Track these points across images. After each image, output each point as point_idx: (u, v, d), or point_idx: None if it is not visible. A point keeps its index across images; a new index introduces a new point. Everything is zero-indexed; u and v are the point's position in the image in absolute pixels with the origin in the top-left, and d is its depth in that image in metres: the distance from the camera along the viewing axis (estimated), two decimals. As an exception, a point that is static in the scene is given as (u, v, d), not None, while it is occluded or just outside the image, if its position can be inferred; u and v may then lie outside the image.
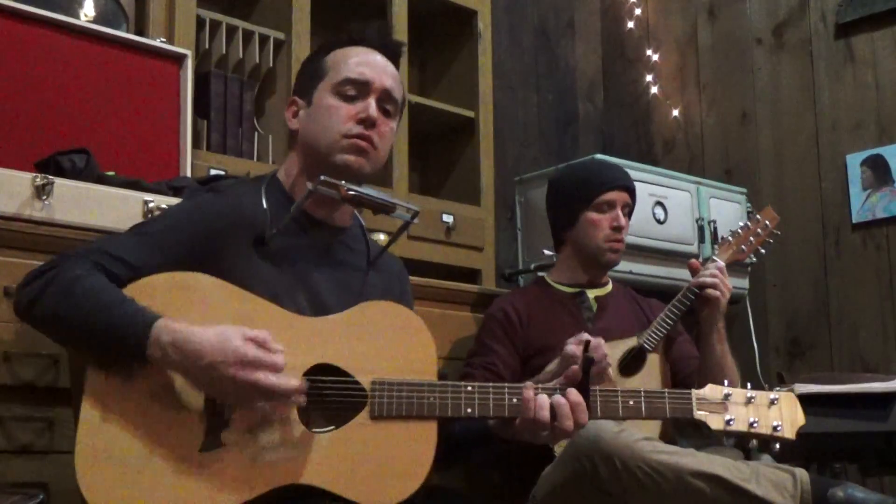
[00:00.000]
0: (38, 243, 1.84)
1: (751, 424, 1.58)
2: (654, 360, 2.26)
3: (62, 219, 1.95)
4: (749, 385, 1.63)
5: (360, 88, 1.66)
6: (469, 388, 1.53)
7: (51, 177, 1.96)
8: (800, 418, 1.60)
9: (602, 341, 1.92)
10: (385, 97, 1.68)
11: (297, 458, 1.45)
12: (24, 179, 1.93)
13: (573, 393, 1.53)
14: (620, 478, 1.72)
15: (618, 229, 2.38)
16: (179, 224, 1.61)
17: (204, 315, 1.49)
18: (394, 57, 1.74)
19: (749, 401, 1.59)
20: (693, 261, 2.33)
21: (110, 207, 2.02)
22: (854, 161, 3.53)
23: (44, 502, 1.56)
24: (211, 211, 1.63)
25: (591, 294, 2.43)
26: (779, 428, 1.57)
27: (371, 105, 1.65)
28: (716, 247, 2.42)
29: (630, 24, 4.31)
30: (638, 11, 4.29)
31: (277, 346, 1.42)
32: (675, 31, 4.17)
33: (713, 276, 2.25)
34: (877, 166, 3.48)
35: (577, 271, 2.45)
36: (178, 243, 1.57)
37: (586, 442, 1.77)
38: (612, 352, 2.23)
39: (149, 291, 1.50)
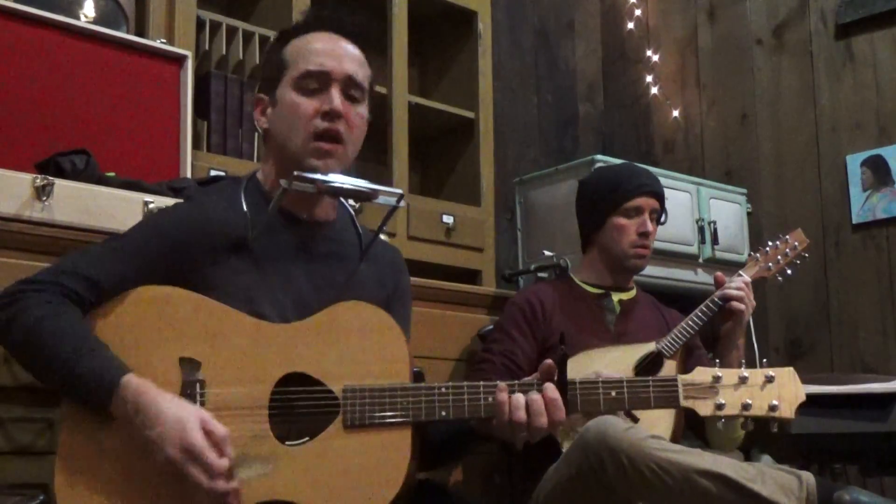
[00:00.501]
0: (38, 244, 1.84)
1: (744, 407, 1.49)
2: (670, 367, 2.25)
3: (62, 220, 1.95)
4: (743, 363, 1.56)
5: (322, 80, 1.61)
6: (443, 390, 1.49)
7: (51, 178, 1.96)
8: (800, 395, 1.51)
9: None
10: (348, 83, 1.62)
11: (273, 473, 1.43)
12: (24, 180, 1.93)
13: (549, 389, 1.48)
14: (627, 475, 1.71)
15: (644, 235, 2.38)
16: (150, 237, 1.58)
17: (174, 330, 1.49)
18: (355, 38, 1.67)
19: (742, 381, 1.51)
20: (719, 273, 2.32)
21: (110, 208, 2.01)
22: (854, 161, 3.53)
23: (43, 503, 1.56)
24: (181, 221, 1.60)
25: (616, 297, 2.43)
26: (776, 407, 1.49)
27: (333, 96, 1.60)
28: (716, 247, 2.41)
29: (630, 25, 4.31)
30: (638, 12, 4.29)
31: (228, 452, 1.40)
32: (675, 31, 4.17)
33: (739, 288, 2.25)
34: (877, 167, 3.48)
35: (603, 273, 2.45)
36: (149, 257, 1.55)
37: (593, 439, 1.76)
38: (630, 355, 2.23)
39: (120, 307, 1.50)
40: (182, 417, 1.39)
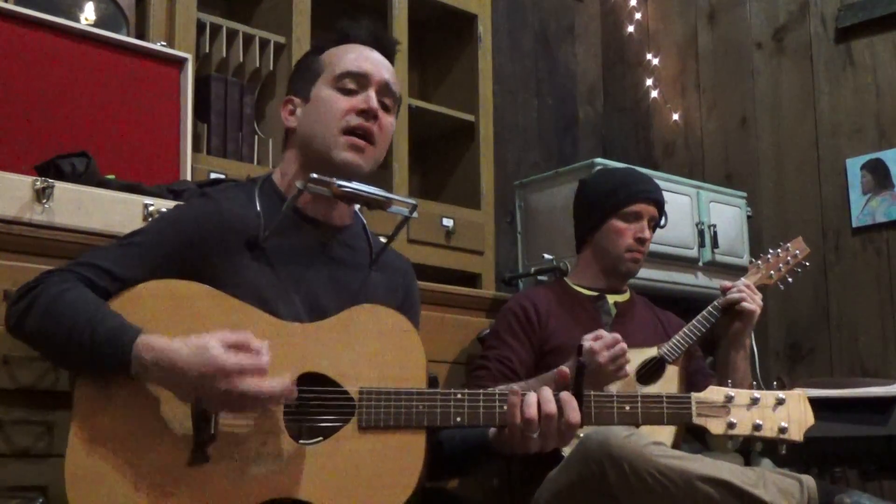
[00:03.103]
0: (38, 247, 1.84)
1: (755, 427, 1.54)
2: (672, 372, 2.26)
3: (62, 222, 1.95)
4: (755, 385, 1.59)
5: (360, 81, 1.65)
6: (458, 396, 1.50)
7: (51, 180, 1.95)
8: (809, 419, 1.55)
9: (619, 337, 1.94)
10: (384, 90, 1.67)
11: (285, 470, 1.44)
12: (24, 183, 1.93)
13: (564, 394, 1.50)
14: (629, 482, 1.71)
15: (641, 241, 2.40)
16: (166, 233, 1.59)
17: (191, 325, 1.48)
18: (389, 54, 1.73)
19: (754, 402, 1.55)
20: (725, 283, 2.34)
21: (110, 211, 2.01)
22: (854, 165, 3.53)
23: (42, 506, 1.57)
24: (197, 217, 1.61)
25: (611, 299, 2.43)
26: (786, 430, 1.53)
27: (371, 96, 1.64)
28: (716, 250, 2.41)
29: (630, 29, 4.31)
30: (638, 16, 4.30)
31: (259, 346, 1.39)
32: (676, 35, 4.18)
33: (740, 290, 2.27)
34: (876, 170, 3.48)
35: (597, 276, 2.46)
36: (165, 252, 1.56)
37: (595, 446, 1.76)
38: (632, 359, 2.23)
39: (137, 301, 1.50)
40: (203, 352, 1.37)
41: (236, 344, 1.39)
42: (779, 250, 2.42)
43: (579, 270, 2.50)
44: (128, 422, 1.44)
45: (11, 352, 1.73)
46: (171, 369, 1.39)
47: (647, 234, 2.41)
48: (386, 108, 1.68)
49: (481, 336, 2.55)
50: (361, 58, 1.67)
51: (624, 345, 1.99)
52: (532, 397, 1.49)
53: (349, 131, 1.62)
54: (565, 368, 1.54)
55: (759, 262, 2.40)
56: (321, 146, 1.63)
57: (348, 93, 1.64)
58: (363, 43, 1.70)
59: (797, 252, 2.41)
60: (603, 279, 2.45)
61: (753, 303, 2.25)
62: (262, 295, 1.55)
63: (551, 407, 1.48)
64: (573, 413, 1.49)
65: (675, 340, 2.28)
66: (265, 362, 1.39)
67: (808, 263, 2.44)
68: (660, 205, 2.46)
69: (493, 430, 1.60)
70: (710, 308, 2.30)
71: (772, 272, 2.38)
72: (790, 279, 2.42)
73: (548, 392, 1.50)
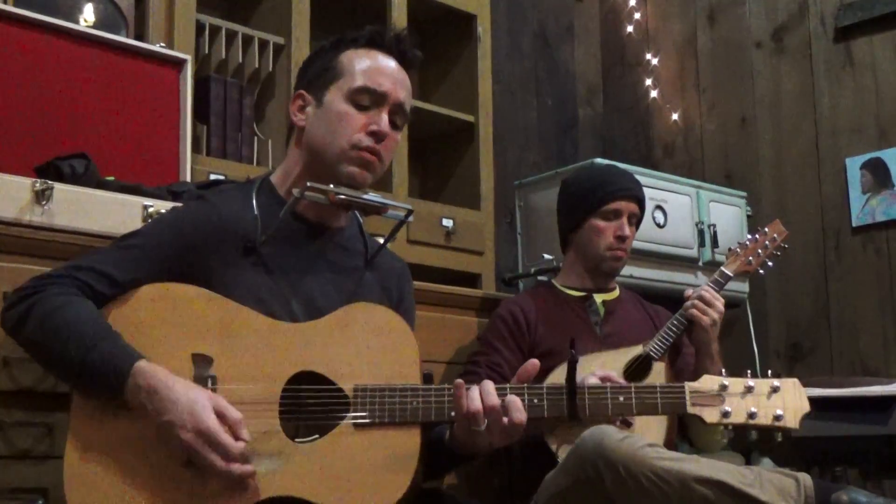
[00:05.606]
0: (38, 248, 1.84)
1: (750, 415, 1.52)
2: (659, 369, 2.26)
3: (62, 224, 1.95)
4: (748, 373, 1.58)
5: (376, 99, 1.64)
6: (452, 391, 1.50)
7: (50, 182, 1.96)
8: (804, 405, 1.54)
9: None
10: (397, 109, 1.66)
11: (282, 469, 1.45)
12: (23, 184, 1.93)
13: (510, 397, 1.50)
14: (625, 484, 1.71)
15: (622, 239, 2.39)
16: (164, 235, 1.60)
17: (189, 327, 1.50)
18: (409, 67, 1.72)
19: (748, 390, 1.54)
20: (687, 291, 2.34)
21: (110, 212, 2.01)
22: (854, 164, 3.53)
23: (43, 507, 1.57)
24: (195, 221, 1.61)
25: (599, 298, 2.44)
26: (781, 417, 1.52)
27: (384, 119, 1.63)
28: (716, 250, 2.41)
29: (629, 29, 4.31)
30: (637, 16, 4.29)
31: (243, 435, 1.41)
32: (675, 35, 4.18)
33: (696, 306, 2.28)
34: (876, 170, 3.48)
35: (583, 275, 2.46)
36: (163, 255, 1.57)
37: (590, 448, 1.76)
38: (619, 359, 2.24)
39: (133, 303, 1.51)
40: (195, 400, 1.40)
41: (225, 417, 1.41)
42: (757, 235, 2.41)
43: (566, 271, 2.51)
44: (125, 423, 1.45)
45: (12, 353, 1.73)
46: (156, 403, 1.41)
47: (627, 231, 2.40)
48: (395, 126, 1.67)
49: (481, 336, 2.56)
50: (381, 73, 1.65)
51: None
52: (475, 391, 1.49)
53: (359, 149, 1.62)
54: (535, 361, 1.55)
55: (738, 248, 2.39)
56: (329, 157, 1.63)
57: (362, 108, 1.64)
58: (386, 51, 1.68)
59: (775, 235, 2.40)
60: (589, 279, 2.46)
61: (706, 315, 2.26)
62: (260, 297, 1.56)
63: (493, 399, 1.48)
64: (517, 414, 1.49)
65: (658, 337, 2.29)
66: (236, 451, 1.40)
67: (787, 245, 2.43)
68: (640, 201, 2.45)
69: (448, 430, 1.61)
70: (677, 314, 2.31)
71: (751, 258, 2.37)
72: (770, 263, 2.41)
73: (489, 385, 1.50)
